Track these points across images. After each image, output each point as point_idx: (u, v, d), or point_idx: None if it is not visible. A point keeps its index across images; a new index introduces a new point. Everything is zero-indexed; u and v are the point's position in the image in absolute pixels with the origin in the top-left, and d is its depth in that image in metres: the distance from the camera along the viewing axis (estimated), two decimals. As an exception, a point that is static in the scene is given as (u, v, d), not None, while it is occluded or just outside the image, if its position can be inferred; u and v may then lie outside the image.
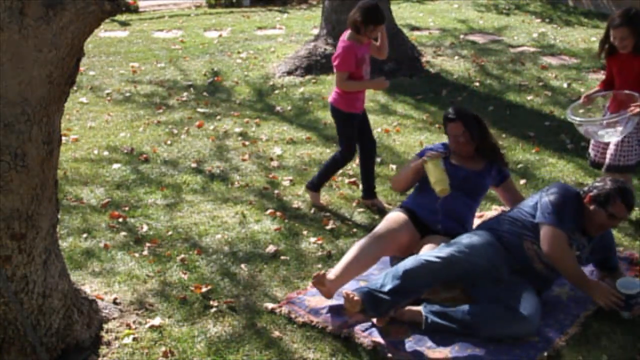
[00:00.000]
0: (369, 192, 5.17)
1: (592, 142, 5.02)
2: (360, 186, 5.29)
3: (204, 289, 4.10)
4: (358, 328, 3.73)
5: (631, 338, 3.72)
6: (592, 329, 3.77)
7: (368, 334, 3.69)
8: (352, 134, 5.05)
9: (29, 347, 3.36)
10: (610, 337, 3.72)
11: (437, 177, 4.20)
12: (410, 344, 3.63)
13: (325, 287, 3.86)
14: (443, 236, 4.18)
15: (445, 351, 3.58)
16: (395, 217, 4.27)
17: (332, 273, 3.94)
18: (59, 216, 3.65)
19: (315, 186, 5.19)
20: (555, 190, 3.97)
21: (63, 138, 4.04)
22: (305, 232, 4.82)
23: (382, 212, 5.01)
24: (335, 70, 4.96)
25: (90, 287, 4.13)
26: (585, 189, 4.01)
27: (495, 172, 4.47)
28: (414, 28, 10.69)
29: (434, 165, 4.24)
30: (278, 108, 7.33)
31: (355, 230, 4.82)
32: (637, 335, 3.75)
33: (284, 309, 3.88)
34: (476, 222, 4.91)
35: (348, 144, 5.06)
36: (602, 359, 3.55)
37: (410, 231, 4.22)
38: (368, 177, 5.17)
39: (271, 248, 4.58)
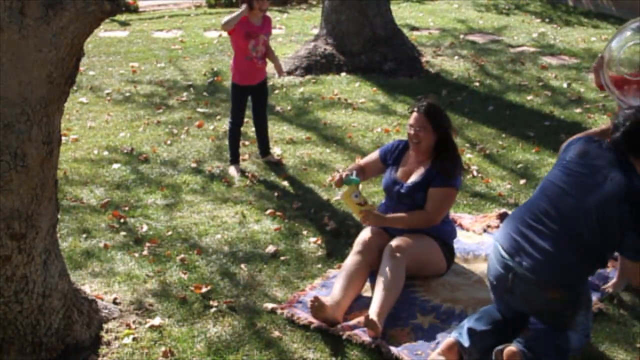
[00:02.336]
0: (264, 150, 6.00)
1: None
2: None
3: (204, 289, 4.10)
4: (360, 329, 3.72)
5: (631, 338, 3.72)
6: (592, 329, 3.77)
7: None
8: (236, 103, 5.76)
9: (29, 347, 3.36)
10: (611, 337, 3.72)
11: (353, 210, 4.23)
12: (413, 344, 3.64)
13: (328, 313, 3.78)
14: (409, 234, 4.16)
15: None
16: (367, 231, 4.27)
17: (330, 299, 3.88)
18: (59, 216, 3.65)
19: (234, 160, 5.84)
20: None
21: (63, 138, 4.04)
22: (305, 232, 4.82)
23: (277, 165, 5.86)
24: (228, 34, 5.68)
25: (90, 287, 4.12)
26: None
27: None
28: (413, 28, 10.69)
29: (348, 200, 4.21)
30: (278, 108, 7.33)
31: (355, 230, 4.81)
32: (637, 335, 3.75)
33: (286, 312, 3.87)
34: (476, 224, 4.93)
35: (232, 112, 5.80)
36: (602, 358, 3.56)
37: (383, 237, 4.21)
38: (261, 139, 5.99)
39: (271, 248, 4.58)
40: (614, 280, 4.18)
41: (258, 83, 5.79)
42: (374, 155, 4.49)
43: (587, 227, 3.31)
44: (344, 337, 3.67)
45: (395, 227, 4.18)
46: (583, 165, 3.44)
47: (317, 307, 3.77)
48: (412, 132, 4.20)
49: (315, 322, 3.78)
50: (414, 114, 4.21)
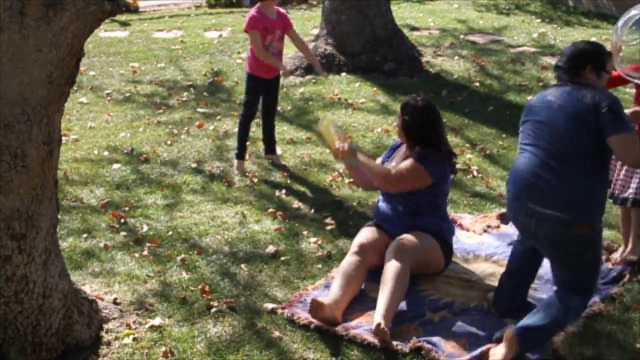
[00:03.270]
0: (270, 148, 5.98)
1: (614, 177, 4.45)
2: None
3: (204, 289, 4.09)
4: (362, 328, 3.72)
5: (631, 338, 3.72)
6: (592, 329, 3.77)
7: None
8: (251, 95, 5.77)
9: (29, 347, 3.36)
10: (610, 337, 3.72)
11: (329, 143, 4.16)
12: (422, 337, 3.66)
13: (327, 312, 3.78)
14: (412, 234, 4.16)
15: (462, 340, 3.64)
16: (364, 232, 4.28)
17: (328, 299, 3.87)
18: (59, 216, 3.65)
19: (240, 156, 5.82)
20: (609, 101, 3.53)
21: (63, 138, 4.04)
22: (305, 232, 4.82)
23: (279, 167, 5.84)
24: (246, 33, 5.70)
25: (90, 287, 4.12)
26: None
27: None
28: (414, 28, 10.69)
29: (325, 132, 4.17)
30: (278, 108, 7.32)
31: (355, 230, 4.81)
32: (637, 335, 3.75)
33: (286, 312, 3.87)
34: (477, 225, 4.93)
35: (246, 104, 5.83)
36: (602, 358, 3.56)
37: (381, 238, 4.21)
38: (268, 136, 5.96)
39: (271, 248, 4.58)
40: (629, 248, 4.22)
41: (272, 77, 5.77)
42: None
43: (576, 138, 3.49)
44: (346, 337, 3.66)
45: (365, 172, 4.18)
46: (543, 103, 3.66)
47: (315, 307, 3.77)
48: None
49: (315, 322, 3.78)
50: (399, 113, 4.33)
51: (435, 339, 3.63)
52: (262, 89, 5.78)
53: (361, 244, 4.15)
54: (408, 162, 4.16)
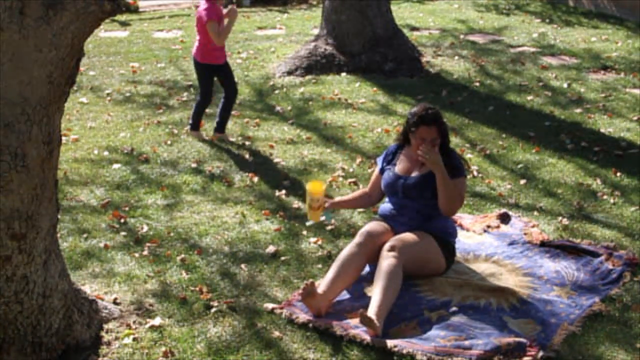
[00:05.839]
0: (220, 127, 6.48)
1: None
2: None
3: (204, 289, 4.10)
4: (361, 329, 3.72)
5: (631, 338, 3.73)
6: (592, 329, 3.77)
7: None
8: (207, 82, 6.40)
9: (29, 347, 3.36)
10: (610, 337, 3.72)
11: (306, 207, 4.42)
12: (420, 337, 3.66)
13: (315, 301, 3.82)
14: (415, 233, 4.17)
15: (463, 335, 3.66)
16: (372, 224, 4.28)
17: (320, 288, 3.91)
18: (59, 216, 3.65)
19: (195, 126, 6.53)
20: None
21: (63, 138, 4.04)
22: (305, 232, 4.82)
23: (223, 140, 6.40)
24: (207, 23, 6.10)
25: (90, 287, 4.13)
26: None
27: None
28: (414, 28, 10.69)
29: (307, 196, 4.37)
30: (278, 108, 7.33)
31: (355, 230, 4.82)
32: (637, 335, 3.75)
33: (285, 312, 3.88)
34: (476, 224, 4.93)
35: (203, 91, 6.44)
36: (602, 358, 3.56)
37: (388, 234, 4.21)
38: (223, 115, 6.49)
39: (271, 248, 4.58)
40: None
41: (223, 62, 6.41)
42: (375, 172, 4.52)
43: None
44: (346, 337, 3.66)
45: (444, 193, 4.12)
46: None
47: (308, 292, 3.80)
48: (425, 144, 4.15)
49: (316, 322, 3.79)
50: (425, 128, 4.14)
51: (434, 338, 3.64)
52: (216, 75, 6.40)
53: (367, 234, 4.15)
54: (461, 182, 4.20)
